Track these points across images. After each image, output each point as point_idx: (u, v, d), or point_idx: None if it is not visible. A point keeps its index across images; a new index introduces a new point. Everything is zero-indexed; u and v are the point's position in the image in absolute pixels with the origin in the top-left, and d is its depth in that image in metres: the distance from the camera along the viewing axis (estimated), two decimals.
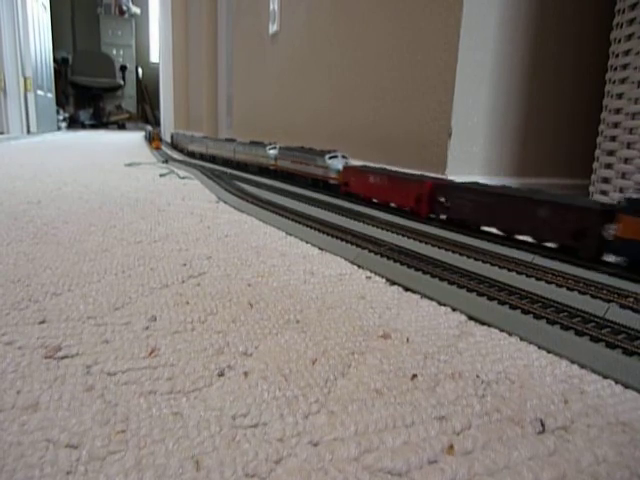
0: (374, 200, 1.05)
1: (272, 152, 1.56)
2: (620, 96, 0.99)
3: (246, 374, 0.37)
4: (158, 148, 3.05)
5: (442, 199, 0.82)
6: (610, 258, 0.61)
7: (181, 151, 2.90)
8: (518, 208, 0.72)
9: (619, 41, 1.00)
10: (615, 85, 1.01)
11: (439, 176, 1.01)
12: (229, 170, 1.79)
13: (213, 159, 2.15)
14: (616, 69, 1.01)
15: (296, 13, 2.11)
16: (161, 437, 0.29)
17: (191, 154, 2.54)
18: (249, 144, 1.79)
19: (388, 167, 1.16)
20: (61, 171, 1.72)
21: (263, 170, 1.62)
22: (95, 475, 0.26)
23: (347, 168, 1.17)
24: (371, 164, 1.27)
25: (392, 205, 0.99)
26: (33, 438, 0.29)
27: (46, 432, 0.29)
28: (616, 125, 1.00)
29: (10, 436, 0.29)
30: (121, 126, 7.65)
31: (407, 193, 0.91)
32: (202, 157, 2.33)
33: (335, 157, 1.26)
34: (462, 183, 0.84)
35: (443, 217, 0.85)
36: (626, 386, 0.38)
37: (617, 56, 1.01)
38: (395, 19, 1.34)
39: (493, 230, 0.76)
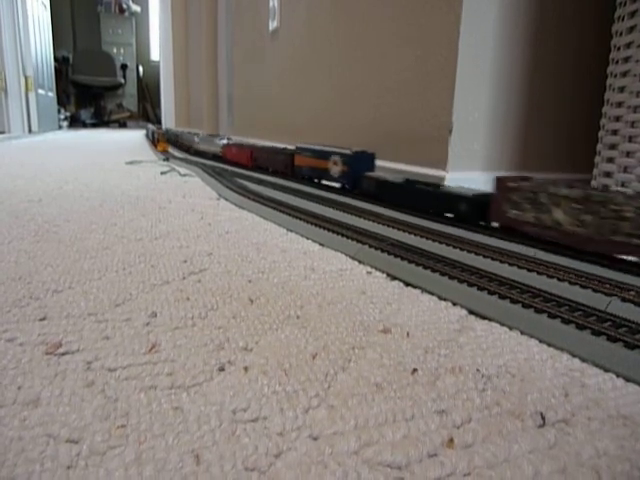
0: (237, 162, 1.80)
1: (196, 139, 2.39)
2: (622, 89, 0.98)
3: (246, 369, 0.37)
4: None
5: (256, 157, 1.65)
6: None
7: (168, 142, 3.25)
8: (273, 156, 1.50)
9: (620, 34, 1.00)
10: (616, 78, 1.00)
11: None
12: (183, 154, 2.46)
13: (180, 146, 2.83)
14: (617, 62, 1.00)
15: (296, 11, 2.11)
16: (161, 432, 0.29)
17: (173, 143, 3.17)
18: (187, 133, 2.80)
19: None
20: (62, 170, 1.73)
21: (192, 151, 2.44)
22: (95, 470, 0.26)
23: (224, 145, 1.95)
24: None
25: (239, 162, 1.78)
26: (34, 433, 0.29)
27: (47, 427, 0.29)
28: (618, 119, 0.99)
29: (11, 431, 0.29)
30: (122, 125, 7.64)
31: (244, 156, 1.73)
32: (174, 144, 3.05)
33: (222, 139, 2.03)
34: (263, 147, 1.69)
35: (256, 164, 1.65)
36: (627, 379, 0.37)
37: (619, 49, 1.00)
38: (395, 16, 1.34)
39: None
